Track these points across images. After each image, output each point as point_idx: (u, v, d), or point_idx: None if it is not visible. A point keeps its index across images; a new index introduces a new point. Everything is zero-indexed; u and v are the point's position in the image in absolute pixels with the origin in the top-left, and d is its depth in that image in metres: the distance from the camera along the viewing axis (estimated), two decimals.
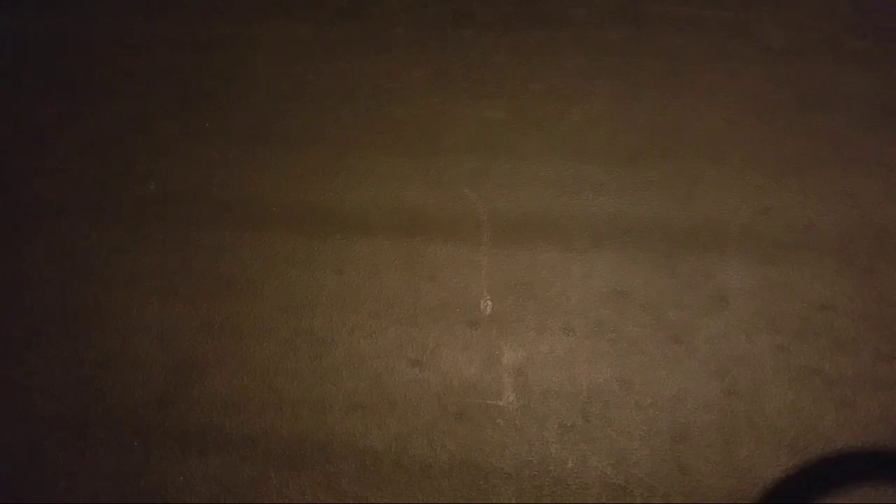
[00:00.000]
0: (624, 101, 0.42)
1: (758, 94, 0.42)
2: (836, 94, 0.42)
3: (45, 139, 0.40)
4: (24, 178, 0.38)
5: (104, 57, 0.44)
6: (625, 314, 0.34)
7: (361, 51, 0.44)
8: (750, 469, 0.30)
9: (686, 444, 0.31)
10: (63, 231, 0.35)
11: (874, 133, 0.41)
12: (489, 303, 0.34)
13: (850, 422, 0.31)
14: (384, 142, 0.40)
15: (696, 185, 0.38)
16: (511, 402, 0.31)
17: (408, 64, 0.44)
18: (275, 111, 0.41)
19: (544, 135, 0.40)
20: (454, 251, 0.36)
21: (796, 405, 0.32)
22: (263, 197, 0.37)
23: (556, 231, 0.37)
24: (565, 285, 0.35)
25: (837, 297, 0.35)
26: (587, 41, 0.45)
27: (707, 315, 0.34)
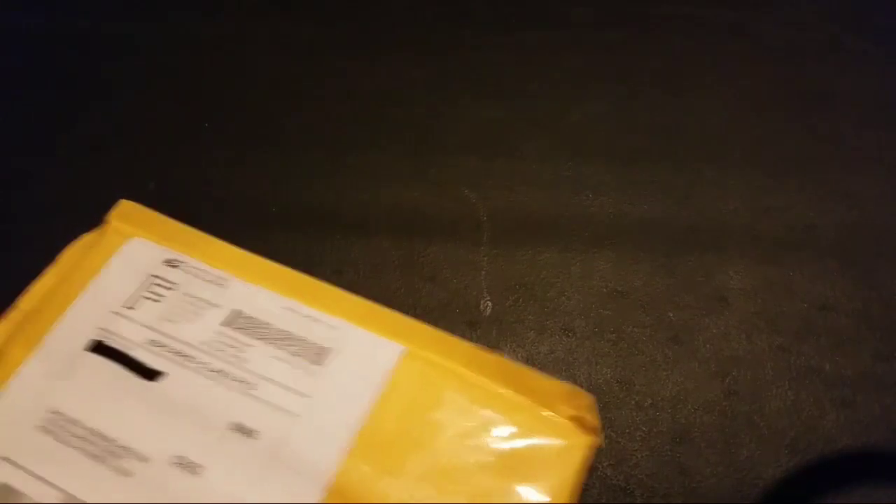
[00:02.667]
0: (624, 101, 0.42)
1: (758, 94, 0.42)
2: (836, 94, 0.42)
3: (45, 139, 0.40)
4: (23, 178, 0.38)
5: (104, 57, 0.44)
6: (625, 314, 0.34)
7: (361, 51, 0.44)
8: (750, 469, 0.30)
9: (686, 444, 0.30)
10: (62, 232, 0.35)
11: (874, 133, 0.41)
12: (489, 303, 0.34)
13: (850, 422, 0.31)
14: (384, 142, 0.40)
15: (696, 185, 0.38)
16: None
17: (408, 64, 0.44)
18: (275, 111, 0.41)
19: (544, 135, 0.41)
20: (454, 251, 0.36)
21: (797, 405, 0.32)
22: (263, 197, 0.37)
23: (556, 231, 0.37)
24: (565, 285, 0.35)
25: (837, 297, 0.35)
26: (587, 41, 0.45)
27: (707, 315, 0.34)
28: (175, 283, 0.29)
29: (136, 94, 0.42)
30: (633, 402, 0.31)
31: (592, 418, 0.27)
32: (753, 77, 0.43)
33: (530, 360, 0.32)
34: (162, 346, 0.28)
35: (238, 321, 0.28)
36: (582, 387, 0.32)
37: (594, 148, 0.40)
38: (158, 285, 0.29)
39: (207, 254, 0.31)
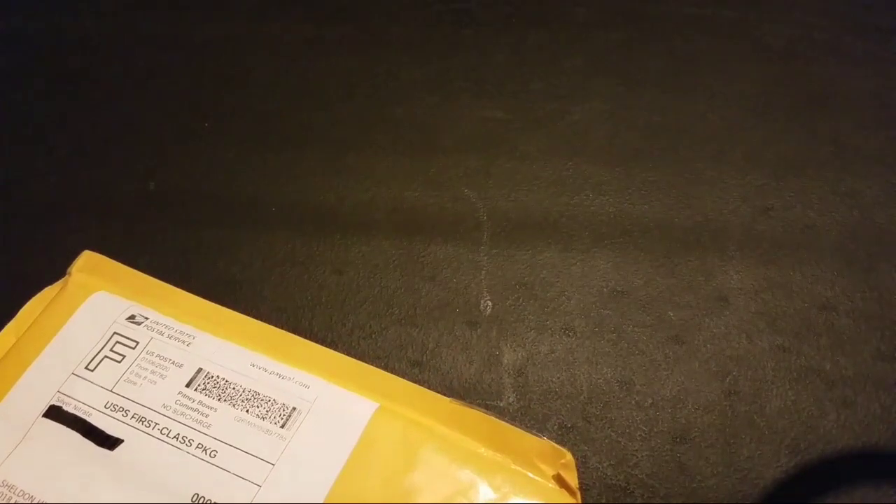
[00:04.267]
0: (624, 101, 0.42)
1: (758, 94, 0.42)
2: (836, 94, 0.42)
3: (45, 139, 0.40)
4: (23, 178, 0.38)
5: (104, 57, 0.44)
6: (625, 314, 0.34)
7: (361, 51, 0.44)
8: (751, 469, 0.30)
9: (687, 444, 0.30)
10: (62, 232, 0.35)
11: (874, 133, 0.41)
12: (489, 303, 0.34)
13: (851, 422, 0.31)
14: (384, 142, 0.40)
15: (696, 185, 0.38)
16: (511, 403, 0.31)
17: (408, 64, 0.44)
18: (275, 111, 0.41)
19: (544, 135, 0.41)
20: (454, 251, 0.36)
21: (797, 405, 0.31)
22: (263, 197, 0.37)
23: (556, 231, 0.37)
24: (565, 285, 0.35)
25: (837, 297, 0.35)
26: (587, 41, 0.45)
27: (707, 315, 0.34)
28: (138, 342, 0.28)
29: (136, 94, 0.42)
30: (633, 402, 0.31)
31: (571, 478, 0.26)
32: (753, 77, 0.43)
33: (530, 360, 0.32)
34: (122, 410, 0.26)
35: (202, 381, 0.27)
36: (582, 386, 0.32)
37: (594, 148, 0.40)
38: (121, 343, 0.28)
39: (174, 307, 0.29)
